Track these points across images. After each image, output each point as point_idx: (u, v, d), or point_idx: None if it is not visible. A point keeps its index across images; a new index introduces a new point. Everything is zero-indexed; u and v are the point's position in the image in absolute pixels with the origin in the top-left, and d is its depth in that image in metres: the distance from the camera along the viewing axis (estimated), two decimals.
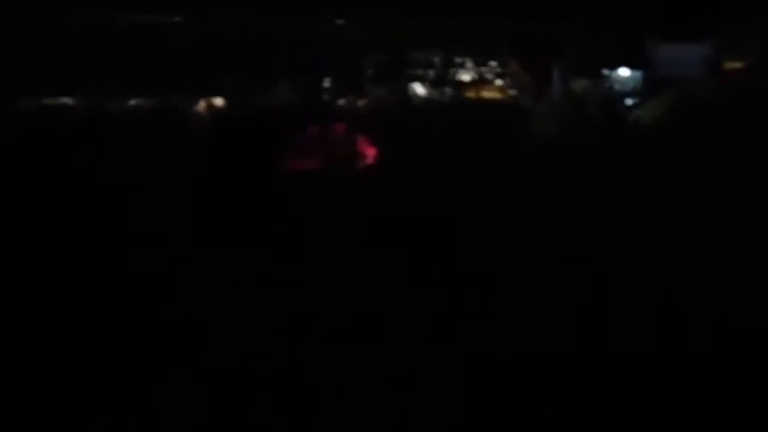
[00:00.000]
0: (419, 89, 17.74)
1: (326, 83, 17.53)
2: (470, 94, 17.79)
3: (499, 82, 17.87)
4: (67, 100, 17.20)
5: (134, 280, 8.21)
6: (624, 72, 17.74)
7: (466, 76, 17.92)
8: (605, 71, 17.67)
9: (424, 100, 17.64)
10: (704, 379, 5.31)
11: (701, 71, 17.51)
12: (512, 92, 17.77)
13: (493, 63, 17.90)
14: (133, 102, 17.30)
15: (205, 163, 14.66)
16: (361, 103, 17.48)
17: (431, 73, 17.87)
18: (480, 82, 17.88)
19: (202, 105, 17.42)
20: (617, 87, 17.63)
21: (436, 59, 17.85)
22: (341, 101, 17.50)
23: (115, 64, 17.76)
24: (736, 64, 18.02)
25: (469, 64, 17.91)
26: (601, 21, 17.12)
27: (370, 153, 15.79)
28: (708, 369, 5.44)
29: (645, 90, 17.40)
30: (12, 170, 12.98)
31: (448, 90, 17.78)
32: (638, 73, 17.72)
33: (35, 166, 13.58)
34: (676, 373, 5.47)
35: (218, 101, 17.39)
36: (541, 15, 16.93)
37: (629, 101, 17.27)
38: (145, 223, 10.62)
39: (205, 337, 6.45)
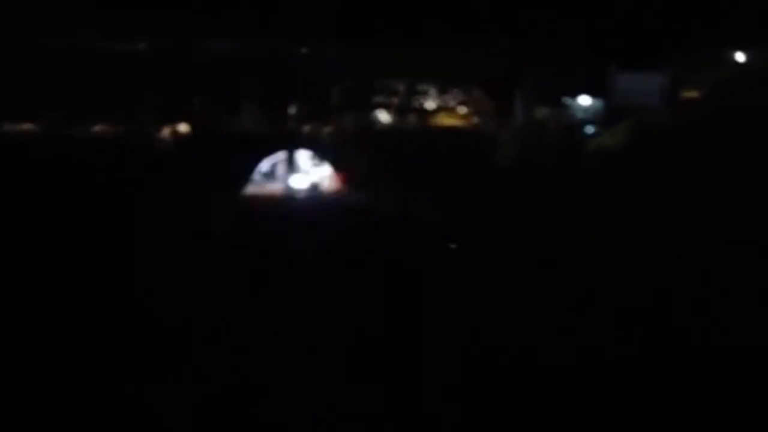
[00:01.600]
0: (383, 116, 17.96)
1: (292, 110, 17.67)
2: (433, 121, 18.02)
3: (462, 109, 18.13)
4: (30, 126, 17.15)
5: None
6: (585, 100, 18.08)
7: (429, 104, 18.17)
8: (566, 99, 17.98)
9: (388, 127, 17.84)
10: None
11: (659, 100, 17.90)
12: (475, 120, 18.03)
13: (456, 91, 18.18)
14: (97, 128, 17.27)
15: (167, 185, 14.65)
16: (326, 129, 17.62)
17: (395, 100, 18.10)
18: (443, 109, 18.14)
19: (166, 131, 17.44)
20: (578, 115, 17.95)
21: (401, 87, 18.09)
22: (307, 128, 17.63)
23: (81, 90, 17.74)
24: (692, 93, 18.46)
25: (433, 91, 18.17)
26: (562, 51, 17.46)
27: (336, 178, 15.89)
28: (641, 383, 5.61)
29: (605, 118, 17.73)
30: None
31: (411, 117, 18.00)
32: (599, 102, 18.06)
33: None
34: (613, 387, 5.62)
35: (183, 127, 17.43)
36: (503, 45, 17.23)
37: (590, 129, 17.57)
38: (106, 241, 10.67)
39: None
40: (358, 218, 12.54)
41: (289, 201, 15.29)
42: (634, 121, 16.65)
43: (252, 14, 17.11)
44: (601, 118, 17.75)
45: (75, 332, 6.90)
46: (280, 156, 16.04)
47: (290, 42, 17.56)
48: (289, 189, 15.76)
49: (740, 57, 18.46)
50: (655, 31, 17.90)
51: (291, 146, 16.53)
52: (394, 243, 10.23)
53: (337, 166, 15.86)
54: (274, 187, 15.64)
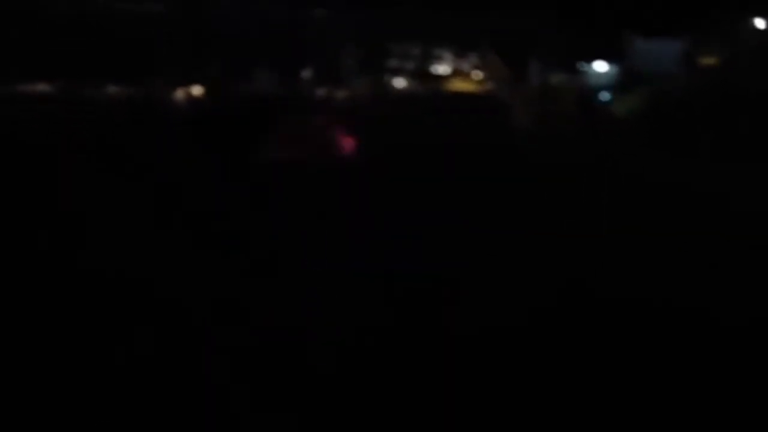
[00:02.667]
0: (398, 81, 17.87)
1: (306, 74, 17.61)
2: (448, 86, 17.92)
3: (476, 74, 18.02)
4: (44, 87, 17.19)
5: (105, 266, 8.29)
6: (600, 66, 17.91)
7: (444, 69, 18.06)
8: (582, 65, 17.83)
9: (402, 92, 17.76)
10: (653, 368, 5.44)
11: (677, 66, 17.69)
12: (490, 85, 17.92)
13: (471, 55, 18.05)
14: (111, 89, 17.30)
15: (181, 151, 14.68)
16: (340, 94, 17.55)
17: (410, 65, 17.99)
18: (458, 74, 18.02)
19: (180, 93, 17.43)
20: (593, 81, 17.79)
21: (415, 51, 17.97)
22: (321, 92, 17.58)
23: (95, 51, 17.73)
24: (711, 60, 18.22)
25: (448, 56, 18.04)
26: (578, 15, 17.27)
27: (348, 143, 15.85)
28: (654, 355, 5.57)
29: (621, 84, 17.56)
30: None
31: (426, 82, 17.91)
32: (614, 68, 17.88)
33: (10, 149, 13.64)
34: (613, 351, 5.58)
35: (197, 90, 17.41)
36: (519, 9, 17.06)
37: (605, 95, 17.41)
38: (114, 208, 10.69)
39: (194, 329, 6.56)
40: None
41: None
42: (648, 88, 16.49)
43: None
44: (617, 84, 17.60)
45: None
46: (293, 120, 16.02)
47: (306, 4, 17.48)
48: (301, 154, 15.74)
49: (761, 24, 18.20)
50: None
51: (305, 110, 16.54)
52: None
53: (350, 132, 15.83)
54: (288, 152, 15.63)
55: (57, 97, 17.13)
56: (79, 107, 17.42)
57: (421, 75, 17.88)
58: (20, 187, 11.67)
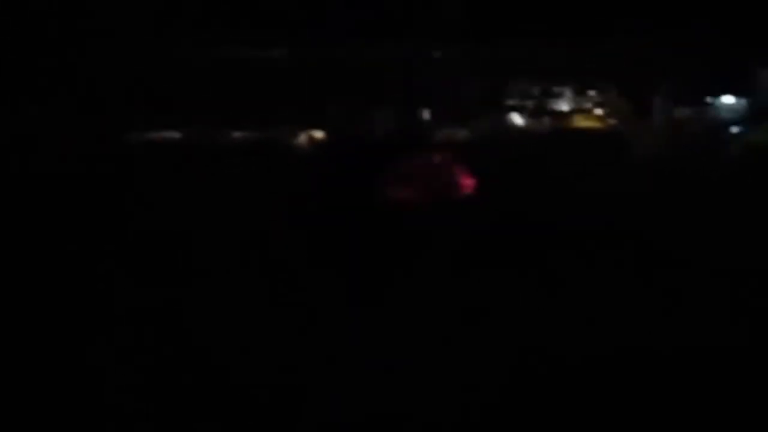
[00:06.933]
0: (517, 119, 17.71)
1: (426, 114, 17.62)
2: (569, 123, 17.66)
3: (598, 111, 17.70)
4: (173, 134, 17.68)
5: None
6: (728, 99, 17.38)
7: (564, 106, 17.81)
8: (709, 99, 17.34)
9: (522, 130, 17.58)
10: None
11: None
12: (612, 121, 17.58)
13: (591, 92, 17.76)
14: (236, 135, 17.68)
15: (308, 193, 14.90)
16: (461, 133, 17.51)
17: (529, 103, 17.82)
18: (579, 111, 17.75)
19: (303, 137, 17.69)
20: (722, 115, 17.27)
21: (535, 89, 17.79)
22: (441, 132, 17.57)
23: (217, 97, 18.21)
24: None
25: (568, 93, 17.80)
26: (704, 47, 16.85)
27: (469, 183, 15.79)
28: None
29: (751, 118, 17.00)
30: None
31: (546, 120, 17.69)
32: (743, 101, 17.33)
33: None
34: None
35: (318, 133, 17.63)
36: (641, 41, 16.74)
37: (735, 129, 16.88)
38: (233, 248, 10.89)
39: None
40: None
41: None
42: None
43: (384, 18, 17.19)
44: (746, 117, 17.06)
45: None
46: (415, 160, 16.09)
47: (423, 45, 17.54)
48: (423, 193, 15.78)
49: None
50: None
51: (425, 150, 16.55)
52: None
53: (471, 171, 15.77)
54: (410, 192, 15.67)
55: (185, 144, 17.60)
56: (206, 153, 17.92)
57: (542, 112, 17.69)
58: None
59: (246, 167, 16.37)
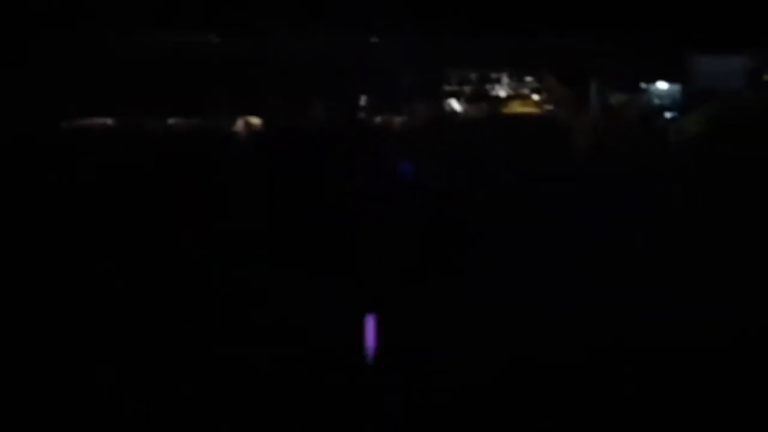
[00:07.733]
0: (456, 105, 17.72)
1: (362, 101, 17.57)
2: (507, 109, 17.71)
3: (535, 97, 17.78)
4: (107, 120, 17.43)
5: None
6: (662, 85, 17.55)
7: (502, 92, 17.86)
8: (643, 85, 17.49)
9: (460, 116, 17.60)
10: None
11: (742, 83, 17.27)
12: (548, 107, 17.67)
13: (529, 78, 17.83)
14: (171, 121, 17.47)
15: (242, 179, 14.77)
16: (397, 120, 17.48)
17: (467, 89, 17.83)
18: (516, 97, 17.81)
19: (239, 124, 17.53)
20: (656, 101, 17.44)
21: (473, 75, 17.81)
22: (378, 119, 17.52)
23: (154, 84, 17.98)
24: None
25: (505, 79, 17.85)
26: (638, 35, 16.99)
27: (406, 168, 15.77)
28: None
29: (684, 103, 17.18)
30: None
31: (484, 105, 17.72)
32: (677, 87, 17.51)
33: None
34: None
35: (255, 120, 17.49)
36: (577, 30, 16.85)
37: (668, 114, 17.05)
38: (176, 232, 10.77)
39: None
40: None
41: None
42: (712, 106, 16.11)
43: (321, 5, 17.11)
44: (680, 104, 17.23)
45: None
46: (352, 147, 16.04)
47: (361, 33, 17.49)
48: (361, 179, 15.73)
49: None
50: (736, 11, 17.29)
51: (362, 137, 16.51)
52: None
53: (408, 157, 15.76)
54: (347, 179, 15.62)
55: (119, 131, 17.38)
56: (141, 139, 17.68)
57: (479, 99, 17.72)
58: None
59: (182, 153, 16.21)
